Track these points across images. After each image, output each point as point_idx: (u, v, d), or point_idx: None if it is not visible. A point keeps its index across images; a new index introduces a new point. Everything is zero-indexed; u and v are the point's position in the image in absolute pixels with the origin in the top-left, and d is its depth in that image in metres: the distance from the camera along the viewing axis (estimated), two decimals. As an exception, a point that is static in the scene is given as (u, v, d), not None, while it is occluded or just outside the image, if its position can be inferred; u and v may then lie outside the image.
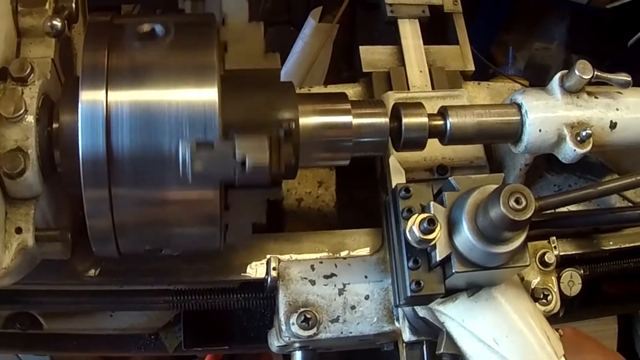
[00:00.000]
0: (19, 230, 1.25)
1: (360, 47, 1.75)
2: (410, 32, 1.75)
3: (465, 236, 1.23)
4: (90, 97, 1.19)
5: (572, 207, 1.62)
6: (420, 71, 1.70)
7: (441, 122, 1.43)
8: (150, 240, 1.32)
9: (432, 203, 1.30)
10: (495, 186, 1.22)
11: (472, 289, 1.34)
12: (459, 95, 1.65)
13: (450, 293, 1.34)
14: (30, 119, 1.22)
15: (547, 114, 1.45)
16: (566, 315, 1.73)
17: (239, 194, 1.40)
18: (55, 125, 1.27)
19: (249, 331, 1.95)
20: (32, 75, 1.25)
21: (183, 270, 1.57)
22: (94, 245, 1.28)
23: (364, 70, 1.73)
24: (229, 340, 1.96)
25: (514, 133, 1.47)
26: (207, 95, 1.22)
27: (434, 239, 1.25)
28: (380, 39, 1.78)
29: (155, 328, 1.97)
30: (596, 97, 1.48)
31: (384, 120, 1.42)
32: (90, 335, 1.98)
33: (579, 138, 1.43)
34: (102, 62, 1.22)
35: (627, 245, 1.76)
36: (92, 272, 1.54)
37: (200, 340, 1.94)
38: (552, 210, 1.53)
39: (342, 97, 1.44)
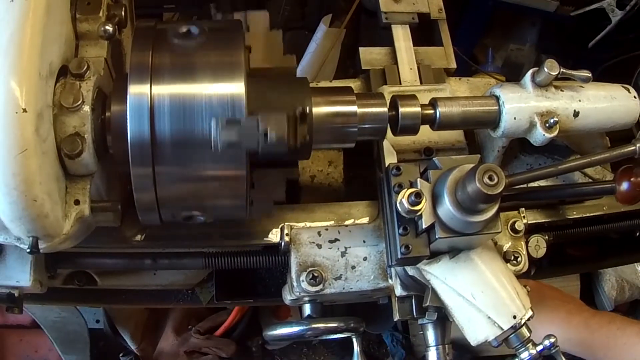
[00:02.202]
0: (77, 202, 1.26)
1: (360, 48, 1.75)
2: (402, 36, 1.74)
3: (447, 207, 1.25)
4: (137, 90, 1.20)
5: (542, 183, 1.63)
6: (410, 68, 1.69)
7: (432, 111, 1.43)
8: (187, 210, 1.33)
9: (418, 179, 1.32)
10: (472, 165, 1.24)
11: (453, 251, 1.36)
12: (443, 89, 1.65)
13: (435, 255, 1.36)
14: (86, 108, 1.23)
15: (521, 105, 1.45)
16: (536, 273, 1.75)
17: (262, 173, 1.41)
18: (107, 114, 1.28)
19: (270, 287, 1.96)
20: (88, 72, 1.26)
21: (215, 236, 1.59)
22: (140, 214, 1.30)
23: (363, 67, 1.72)
24: (254, 295, 1.97)
25: (493, 120, 1.47)
26: (235, 89, 1.23)
27: (420, 209, 1.27)
28: (379, 41, 1.78)
29: (192, 284, 1.98)
30: (562, 90, 1.49)
31: (384, 109, 1.42)
32: (136, 290, 1.99)
33: (547, 125, 1.44)
34: (147, 61, 1.24)
35: (588, 214, 1.77)
36: (138, 237, 1.55)
37: (229, 294, 1.95)
38: (525, 185, 1.54)
39: (348, 90, 1.44)
